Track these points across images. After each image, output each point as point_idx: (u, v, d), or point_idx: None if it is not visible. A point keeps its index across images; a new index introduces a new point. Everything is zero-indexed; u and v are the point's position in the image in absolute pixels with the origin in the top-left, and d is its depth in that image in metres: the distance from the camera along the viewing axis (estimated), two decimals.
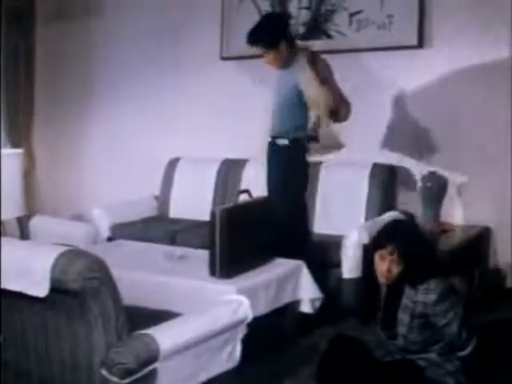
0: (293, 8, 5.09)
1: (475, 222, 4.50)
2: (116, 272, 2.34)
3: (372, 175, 4.61)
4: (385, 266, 2.72)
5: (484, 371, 2.88)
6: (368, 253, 3.98)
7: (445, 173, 4.46)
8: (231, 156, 5.27)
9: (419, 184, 4.46)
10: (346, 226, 4.38)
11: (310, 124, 4.01)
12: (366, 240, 4.04)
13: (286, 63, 4.04)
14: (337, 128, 4.50)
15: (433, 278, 2.67)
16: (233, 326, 2.68)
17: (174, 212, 5.35)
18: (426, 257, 2.74)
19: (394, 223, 3.01)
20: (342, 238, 4.11)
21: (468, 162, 4.56)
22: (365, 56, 4.84)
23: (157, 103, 5.74)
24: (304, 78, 3.89)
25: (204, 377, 2.57)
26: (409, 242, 2.75)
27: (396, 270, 2.71)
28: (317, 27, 5.01)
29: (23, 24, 5.90)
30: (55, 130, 6.23)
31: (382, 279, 2.77)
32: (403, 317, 2.70)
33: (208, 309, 2.75)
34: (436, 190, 4.38)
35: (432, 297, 2.63)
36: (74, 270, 2.18)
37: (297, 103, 3.99)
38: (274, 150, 4.14)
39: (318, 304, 3.82)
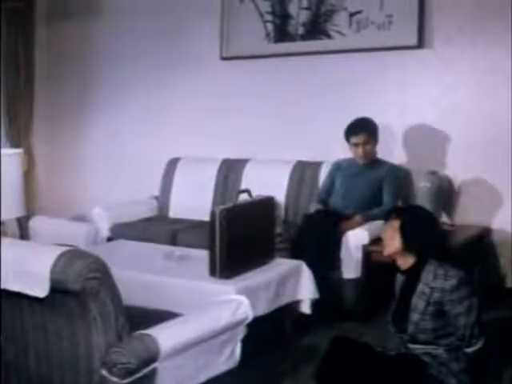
0: (293, 8, 5.09)
1: (475, 222, 4.50)
2: (116, 272, 2.34)
3: None
4: (389, 232, 2.80)
5: (484, 371, 2.88)
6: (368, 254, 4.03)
7: (446, 172, 4.49)
8: (231, 156, 5.27)
9: (419, 184, 4.46)
10: None
11: None
12: (365, 240, 4.05)
13: None
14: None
15: (448, 264, 2.70)
16: (233, 326, 2.68)
17: (174, 212, 5.35)
18: (427, 229, 2.80)
19: None
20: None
21: (468, 162, 4.56)
22: (364, 56, 4.84)
23: (156, 103, 5.74)
24: None
25: (204, 377, 2.57)
26: (410, 210, 2.98)
27: (397, 239, 2.76)
28: (317, 27, 5.00)
29: (23, 24, 5.90)
30: (55, 130, 6.23)
31: (385, 248, 2.84)
32: (418, 303, 2.70)
33: (208, 309, 2.75)
34: (435, 189, 4.37)
35: (451, 282, 2.64)
36: (73, 270, 2.18)
37: None
38: None
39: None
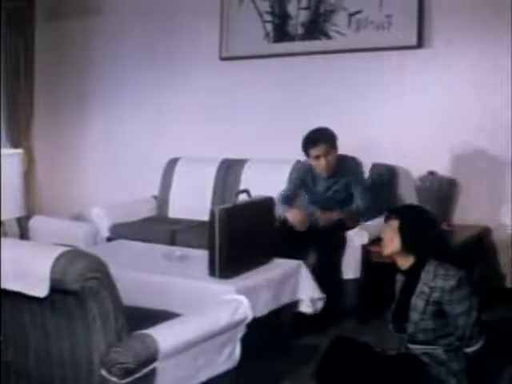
0: (292, 8, 5.09)
1: (475, 222, 4.50)
2: (116, 272, 2.34)
3: (372, 175, 4.61)
4: (388, 232, 2.81)
5: (484, 371, 2.88)
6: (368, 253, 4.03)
7: (445, 172, 4.49)
8: (230, 156, 5.27)
9: (418, 184, 4.46)
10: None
11: None
12: (365, 240, 4.05)
13: None
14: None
15: (448, 264, 2.70)
16: (232, 326, 2.68)
17: (174, 212, 5.35)
18: (426, 229, 2.80)
19: None
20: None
21: (467, 162, 4.56)
22: (364, 56, 4.84)
23: (156, 103, 5.74)
24: None
25: (204, 377, 2.57)
26: (409, 210, 2.96)
27: (396, 239, 2.76)
28: (316, 27, 5.00)
29: (23, 24, 5.89)
30: (55, 130, 6.23)
31: (384, 249, 2.84)
32: (418, 302, 2.70)
33: (208, 309, 2.75)
34: (435, 190, 4.38)
35: (451, 282, 2.64)
36: (73, 270, 2.18)
37: None
38: None
39: (320, 304, 3.79)
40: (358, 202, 4.26)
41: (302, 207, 4.33)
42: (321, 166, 4.19)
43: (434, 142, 4.64)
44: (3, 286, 2.30)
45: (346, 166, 4.27)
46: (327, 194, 4.31)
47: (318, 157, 4.16)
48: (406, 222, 2.78)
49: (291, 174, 4.55)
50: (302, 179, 4.39)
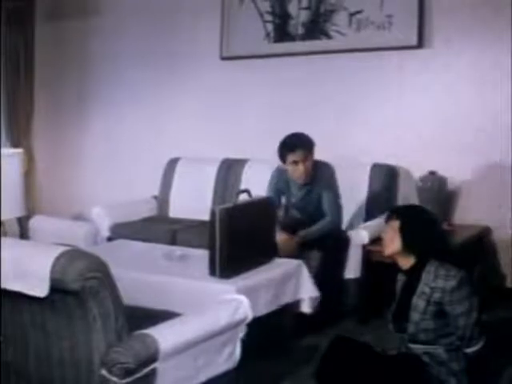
0: (292, 8, 5.09)
1: (475, 222, 4.50)
2: (116, 272, 2.34)
3: (372, 175, 4.61)
4: (389, 233, 2.81)
5: (484, 371, 2.88)
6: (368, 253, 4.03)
7: (446, 172, 4.49)
8: (231, 156, 5.27)
9: (419, 184, 4.46)
10: (347, 226, 4.41)
11: None
12: (366, 240, 4.05)
13: None
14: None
15: (448, 264, 2.71)
16: (233, 326, 2.68)
17: (174, 212, 5.35)
18: (427, 229, 2.80)
19: None
20: None
21: (467, 161, 4.56)
22: (364, 56, 4.84)
23: (156, 103, 5.74)
24: None
25: (204, 377, 2.57)
26: (410, 210, 2.94)
27: (397, 239, 2.76)
28: (316, 27, 5.00)
29: (23, 24, 5.89)
30: (55, 130, 6.23)
31: (385, 249, 2.85)
32: (418, 303, 2.70)
33: (208, 309, 2.75)
34: (436, 190, 4.38)
35: (452, 283, 2.65)
36: (73, 269, 2.18)
37: None
38: None
39: (315, 303, 3.79)
40: (328, 216, 4.11)
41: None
42: (298, 171, 4.07)
43: (434, 142, 4.64)
44: (3, 286, 2.30)
45: (320, 173, 4.15)
46: (302, 203, 4.24)
47: (295, 162, 4.05)
48: (407, 222, 2.78)
49: (270, 183, 4.31)
50: (278, 188, 4.27)
